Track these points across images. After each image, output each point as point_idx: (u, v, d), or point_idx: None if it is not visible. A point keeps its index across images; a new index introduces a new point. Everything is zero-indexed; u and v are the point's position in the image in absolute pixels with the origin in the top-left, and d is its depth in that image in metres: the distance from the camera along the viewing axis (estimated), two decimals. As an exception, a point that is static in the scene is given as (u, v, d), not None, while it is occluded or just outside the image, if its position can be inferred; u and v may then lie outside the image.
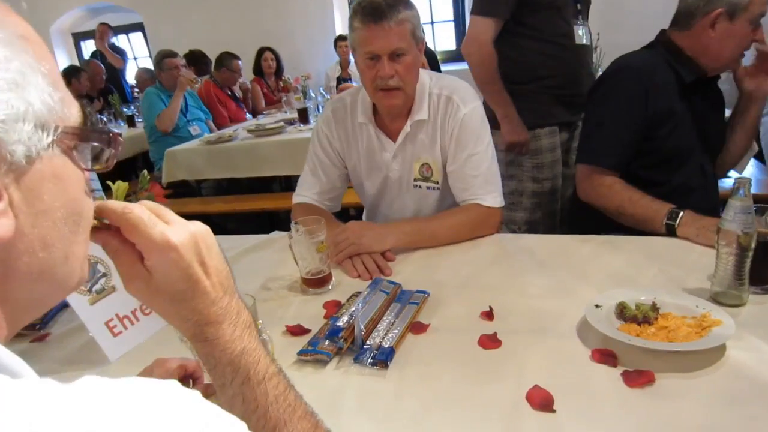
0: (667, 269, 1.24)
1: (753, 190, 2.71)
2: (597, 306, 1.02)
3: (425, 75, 1.59)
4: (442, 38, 6.55)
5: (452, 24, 6.43)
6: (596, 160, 1.62)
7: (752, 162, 2.90)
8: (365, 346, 1.01)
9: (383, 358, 0.97)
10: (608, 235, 1.47)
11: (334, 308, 1.20)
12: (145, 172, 1.35)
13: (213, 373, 0.60)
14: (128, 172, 5.09)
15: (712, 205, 1.68)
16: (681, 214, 1.39)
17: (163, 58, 4.34)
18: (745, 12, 1.47)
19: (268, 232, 1.75)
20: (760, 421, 0.77)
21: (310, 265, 1.31)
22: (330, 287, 1.31)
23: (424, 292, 1.20)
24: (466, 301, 1.17)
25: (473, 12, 2.07)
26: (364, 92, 1.59)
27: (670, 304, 1.02)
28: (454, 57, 6.47)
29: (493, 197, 1.53)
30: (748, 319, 1.00)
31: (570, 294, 1.16)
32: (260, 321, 0.95)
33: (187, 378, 0.96)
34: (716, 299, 1.07)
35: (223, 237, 1.81)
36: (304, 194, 1.71)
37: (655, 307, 1.01)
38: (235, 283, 0.64)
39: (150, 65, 7.33)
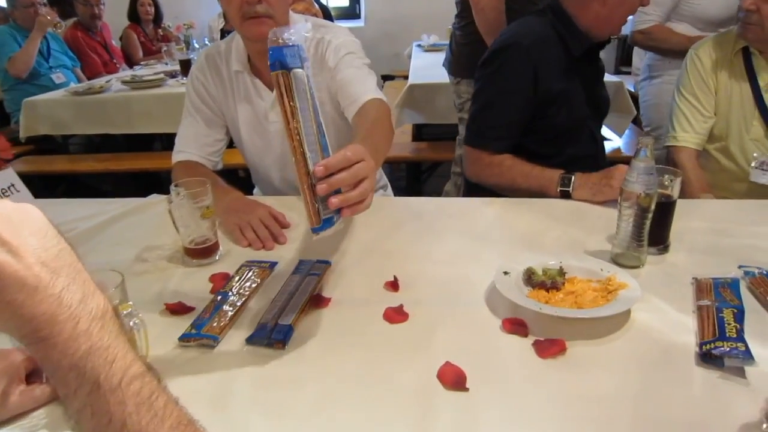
0: (568, 231, 1.23)
1: (625, 152, 2.84)
2: (505, 273, 0.98)
3: (300, 19, 1.48)
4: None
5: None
6: (485, 145, 1.57)
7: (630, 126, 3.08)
8: (261, 324, 0.89)
9: (280, 338, 0.86)
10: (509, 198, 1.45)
11: (221, 281, 1.07)
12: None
13: (54, 380, 0.46)
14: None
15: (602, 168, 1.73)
16: (573, 178, 1.39)
17: None
18: None
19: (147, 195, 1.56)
20: (668, 383, 0.76)
21: (193, 233, 1.15)
22: (217, 257, 1.17)
23: (325, 262, 1.09)
24: (369, 269, 1.09)
25: None
26: (239, 39, 1.48)
27: (575, 268, 1.00)
28: (347, 14, 6.28)
29: (381, 93, 1.39)
30: (648, 281, 1.00)
31: (475, 259, 1.12)
32: (130, 303, 0.81)
33: (39, 372, 0.79)
34: (616, 261, 1.07)
35: (91, 200, 1.58)
36: (185, 150, 1.54)
37: (562, 272, 0.98)
38: (84, 263, 0.49)
39: (2, 2, 6.40)
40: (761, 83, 1.66)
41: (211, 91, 1.55)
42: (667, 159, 1.79)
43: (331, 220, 0.79)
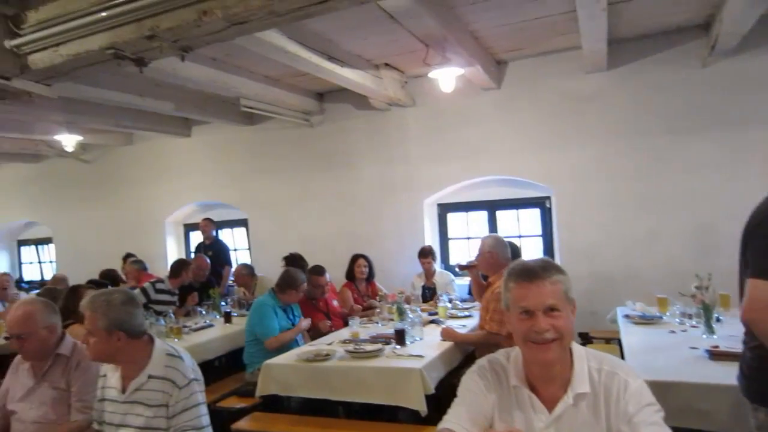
0: None
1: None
2: None
3: (580, 348, 1.58)
4: (528, 251, 6.62)
5: (540, 238, 6.57)
6: None
7: None
8: None
9: None
10: None
11: None
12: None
13: None
14: (213, 369, 4.95)
15: None
16: None
17: (295, 286, 4.56)
18: None
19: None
20: None
21: None
22: None
23: None
24: None
25: (759, 276, 1.88)
26: (517, 353, 1.60)
27: None
28: (542, 268, 6.42)
29: None
30: None
31: None
32: None
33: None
34: None
35: None
36: (450, 420, 1.61)
37: None
38: None
39: (248, 257, 7.77)
40: None
41: (489, 394, 1.62)
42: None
43: None
